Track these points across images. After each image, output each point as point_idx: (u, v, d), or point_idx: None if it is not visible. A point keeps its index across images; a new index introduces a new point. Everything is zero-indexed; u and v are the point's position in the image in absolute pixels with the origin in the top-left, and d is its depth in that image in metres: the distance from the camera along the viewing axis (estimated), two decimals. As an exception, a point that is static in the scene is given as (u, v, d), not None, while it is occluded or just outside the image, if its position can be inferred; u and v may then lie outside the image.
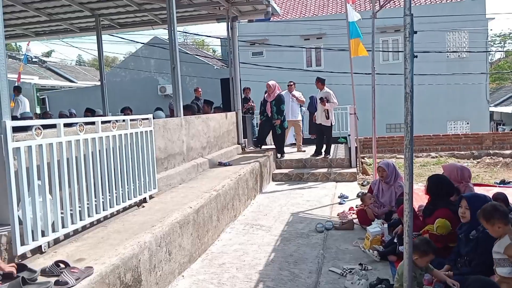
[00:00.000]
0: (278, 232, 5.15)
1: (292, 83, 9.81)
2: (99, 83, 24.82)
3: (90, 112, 7.86)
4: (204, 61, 20.58)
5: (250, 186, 6.58)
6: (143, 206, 4.46)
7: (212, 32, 71.23)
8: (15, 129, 2.92)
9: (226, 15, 8.89)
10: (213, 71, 19.64)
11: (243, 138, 9.01)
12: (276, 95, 8.61)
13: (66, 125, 3.36)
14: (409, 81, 2.96)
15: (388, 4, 7.00)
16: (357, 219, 5.33)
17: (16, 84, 14.22)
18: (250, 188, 6.58)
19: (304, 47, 19.22)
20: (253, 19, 12.15)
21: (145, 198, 4.56)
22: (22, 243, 2.84)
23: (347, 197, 6.67)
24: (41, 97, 23.26)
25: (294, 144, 10.45)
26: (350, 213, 5.68)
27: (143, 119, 4.60)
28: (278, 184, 8.02)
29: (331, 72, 14.94)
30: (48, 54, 41.70)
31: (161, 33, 19.27)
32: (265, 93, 8.89)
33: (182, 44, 27.59)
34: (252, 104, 10.67)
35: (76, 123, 3.52)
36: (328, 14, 20.10)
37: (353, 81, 8.39)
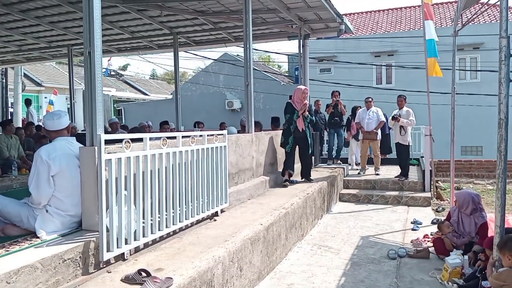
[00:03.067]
0: (348, 255, 5.00)
1: (370, 99, 9.10)
2: (170, 96, 26.08)
3: (166, 124, 8.25)
4: (272, 77, 20.82)
5: (317, 205, 6.49)
6: (215, 220, 4.55)
7: (278, 48, 72.07)
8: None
9: (298, 32, 8.95)
10: (279, 87, 19.80)
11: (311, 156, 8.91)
12: (308, 104, 6.96)
13: (138, 139, 3.51)
14: (504, 107, 2.78)
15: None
16: (433, 248, 5.03)
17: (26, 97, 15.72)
18: (317, 208, 6.48)
19: (374, 64, 18.81)
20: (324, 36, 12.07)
21: (216, 212, 4.66)
22: (108, 250, 3.01)
23: (420, 223, 6.34)
24: (118, 108, 24.83)
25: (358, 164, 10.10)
26: (425, 240, 5.38)
27: (218, 134, 4.74)
28: (346, 205, 7.82)
29: (403, 90, 14.38)
30: (124, 67, 44.61)
31: (231, 50, 19.83)
32: (290, 99, 7.03)
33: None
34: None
35: (160, 137, 3.70)
36: (401, 30, 19.54)
37: (429, 100, 8.02)
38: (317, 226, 6.31)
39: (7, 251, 2.74)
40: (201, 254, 3.37)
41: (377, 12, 23.17)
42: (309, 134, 7.01)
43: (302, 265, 4.68)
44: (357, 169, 9.51)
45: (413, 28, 19.52)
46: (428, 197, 7.76)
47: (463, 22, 6.34)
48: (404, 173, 8.39)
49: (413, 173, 9.12)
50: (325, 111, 10.07)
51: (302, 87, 7.16)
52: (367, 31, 20.72)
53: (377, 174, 8.91)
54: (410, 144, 8.24)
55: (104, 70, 29.03)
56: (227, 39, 10.49)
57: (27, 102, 14.02)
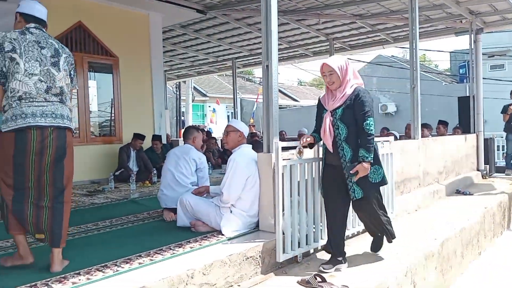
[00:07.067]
0: (542, 282, 4.27)
1: None
2: (321, 102, 26.31)
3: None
4: (432, 77, 19.27)
5: (496, 221, 5.72)
6: (381, 230, 4.38)
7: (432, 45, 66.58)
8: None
9: (468, 27, 8.08)
10: (441, 88, 18.19)
11: (484, 164, 7.94)
12: (350, 92, 3.10)
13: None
14: None
15: None
16: None
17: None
18: (496, 224, 5.72)
19: None
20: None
21: (383, 221, 4.48)
22: (284, 251, 3.16)
23: None
24: (273, 115, 26.11)
25: None
26: None
27: (384, 141, 4.57)
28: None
29: None
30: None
31: (384, 51, 19.04)
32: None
33: (405, 61, 26.57)
34: None
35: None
36: None
37: None
38: (497, 245, 5.56)
39: (200, 245, 3.10)
40: (372, 264, 3.28)
41: None
42: (368, 153, 3.04)
43: (482, 288, 4.17)
44: None
45: None
46: None
47: None
48: None
49: None
50: (501, 113, 8.82)
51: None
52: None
53: None
54: None
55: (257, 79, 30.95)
56: (385, 40, 10.10)
57: None
